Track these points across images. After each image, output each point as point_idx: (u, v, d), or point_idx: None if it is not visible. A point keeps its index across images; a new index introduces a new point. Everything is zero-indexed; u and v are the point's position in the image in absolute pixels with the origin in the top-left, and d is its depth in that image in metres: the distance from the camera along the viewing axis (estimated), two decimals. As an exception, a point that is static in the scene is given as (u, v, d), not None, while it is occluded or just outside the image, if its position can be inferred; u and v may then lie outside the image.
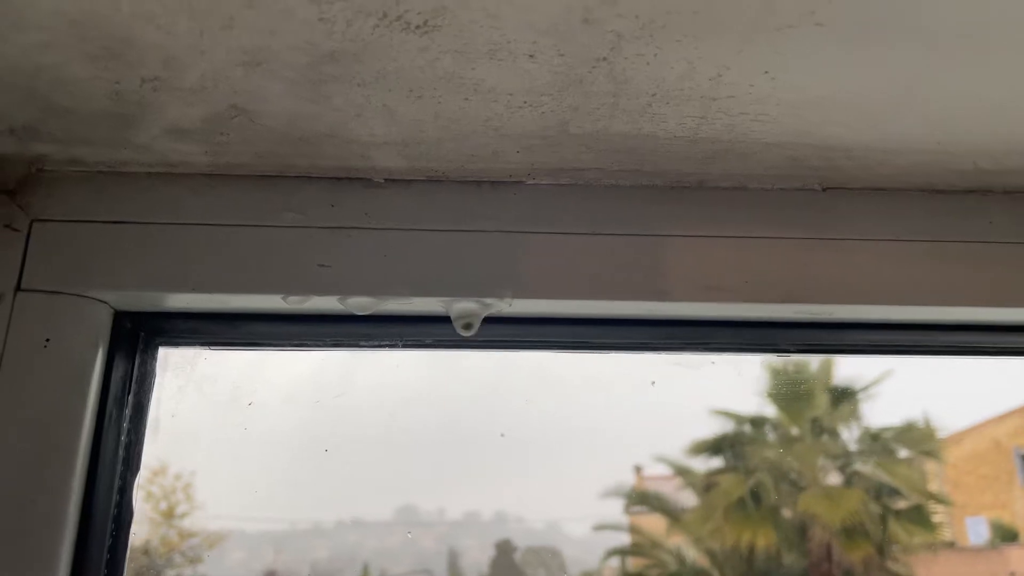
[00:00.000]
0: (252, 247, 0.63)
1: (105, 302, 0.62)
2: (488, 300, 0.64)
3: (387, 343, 0.68)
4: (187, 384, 0.69)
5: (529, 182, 0.67)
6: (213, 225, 0.64)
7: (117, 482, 0.62)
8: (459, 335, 0.67)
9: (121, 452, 0.63)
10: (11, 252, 0.61)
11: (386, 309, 0.65)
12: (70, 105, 0.57)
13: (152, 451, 0.66)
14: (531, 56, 0.53)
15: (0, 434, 0.57)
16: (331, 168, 0.65)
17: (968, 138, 0.63)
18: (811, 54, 0.53)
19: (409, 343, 0.69)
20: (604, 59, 0.53)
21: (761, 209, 0.68)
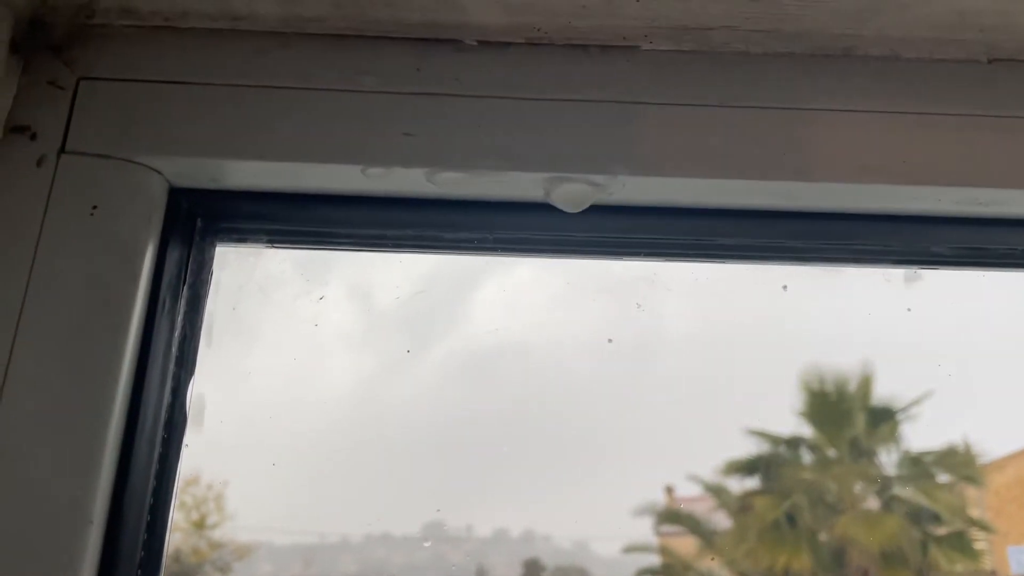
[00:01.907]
0: (327, 113, 0.55)
1: (159, 171, 0.54)
2: (597, 178, 0.55)
3: (475, 238, 0.59)
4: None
5: (645, 47, 0.58)
6: (283, 88, 0.55)
7: (170, 382, 0.53)
8: (557, 231, 0.58)
9: (175, 349, 0.54)
10: (55, 111, 0.53)
11: (476, 191, 0.56)
12: (128, -71, 0.49)
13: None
14: None
15: (41, 306, 0.48)
16: (417, 26, 0.57)
17: None
18: None
19: (502, 240, 0.59)
20: None
21: (917, 82, 0.58)
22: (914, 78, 0.58)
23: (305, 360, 0.68)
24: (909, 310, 0.61)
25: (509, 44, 0.58)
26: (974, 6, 0.54)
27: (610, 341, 0.69)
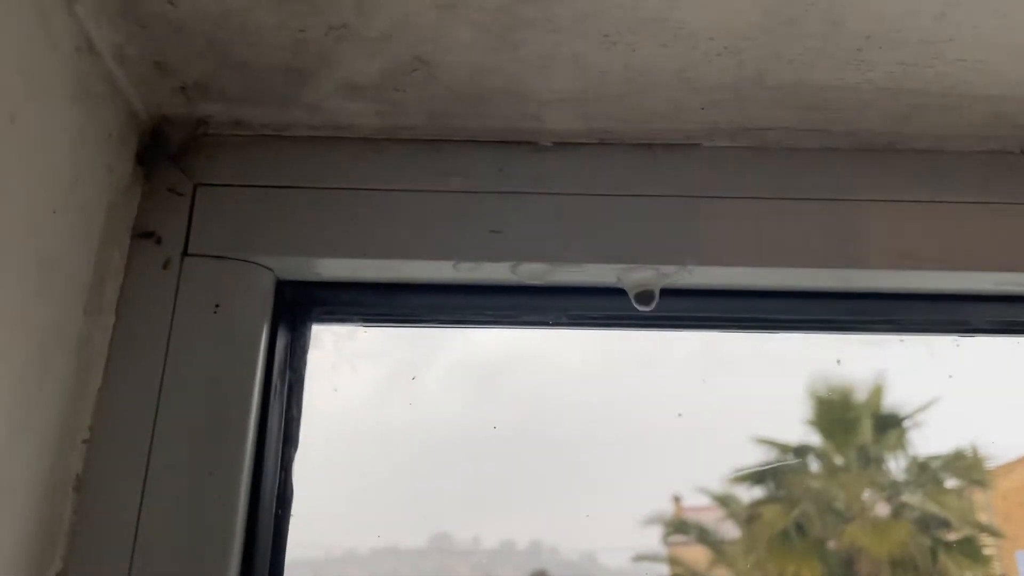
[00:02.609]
0: (420, 212, 0.60)
1: (270, 268, 0.59)
2: (666, 268, 0.60)
3: (552, 318, 0.65)
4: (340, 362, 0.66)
5: (707, 144, 0.64)
6: (380, 190, 0.61)
7: (280, 459, 0.59)
8: (628, 310, 0.63)
9: (283, 427, 0.59)
10: (176, 217, 0.59)
11: (556, 279, 0.62)
12: (247, 58, 0.55)
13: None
14: (747, -8, 0.50)
15: (175, 401, 0.54)
16: (499, 130, 0.62)
17: None
18: (1053, -14, 0.49)
19: (575, 318, 0.65)
20: (825, -5, 0.50)
21: (956, 173, 0.63)
22: (953, 169, 0.63)
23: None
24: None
25: (582, 144, 0.63)
26: (1009, 108, 0.60)
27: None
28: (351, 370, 0.69)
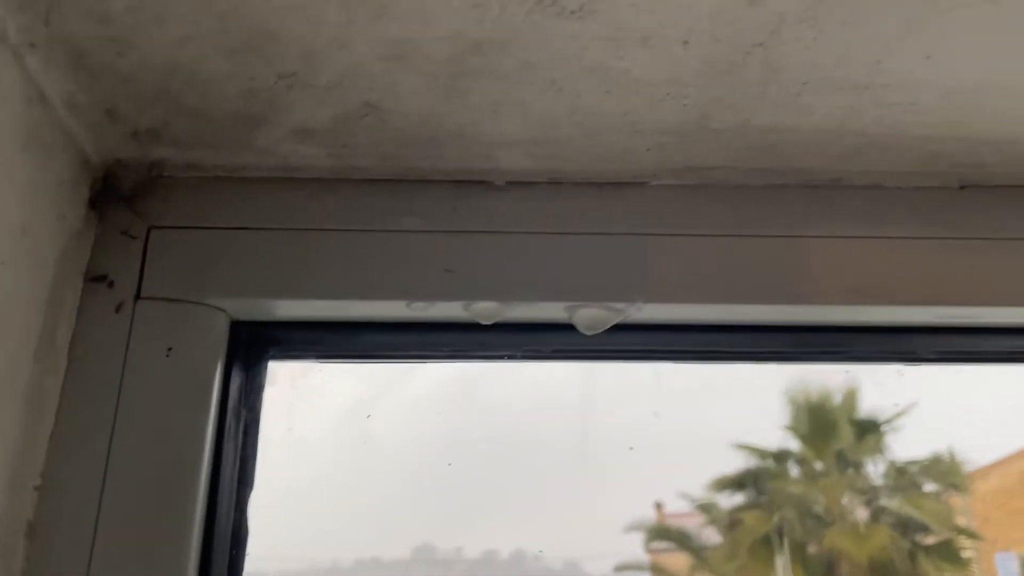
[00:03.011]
0: (374, 252, 0.61)
1: (223, 310, 0.60)
2: (617, 305, 0.61)
3: (506, 353, 0.66)
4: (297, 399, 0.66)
5: (653, 183, 0.65)
6: (334, 230, 0.61)
7: (234, 498, 0.59)
8: (580, 345, 0.65)
9: (237, 467, 0.60)
10: (130, 259, 0.59)
11: (509, 316, 0.62)
12: (199, 106, 0.55)
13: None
14: (685, 42, 0.51)
15: (126, 446, 0.54)
16: (452, 171, 0.63)
17: (1119, 129, 0.60)
18: (979, 37, 0.51)
19: (529, 353, 0.66)
20: (760, 44, 0.51)
21: (898, 208, 0.65)
22: (895, 205, 0.65)
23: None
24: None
25: (534, 183, 0.64)
26: (946, 147, 0.62)
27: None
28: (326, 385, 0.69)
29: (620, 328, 0.63)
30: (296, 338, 0.64)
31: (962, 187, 0.66)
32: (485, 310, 0.61)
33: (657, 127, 0.59)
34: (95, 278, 0.58)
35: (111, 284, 0.58)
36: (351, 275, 0.60)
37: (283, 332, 0.63)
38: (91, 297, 0.58)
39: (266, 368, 0.64)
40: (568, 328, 0.63)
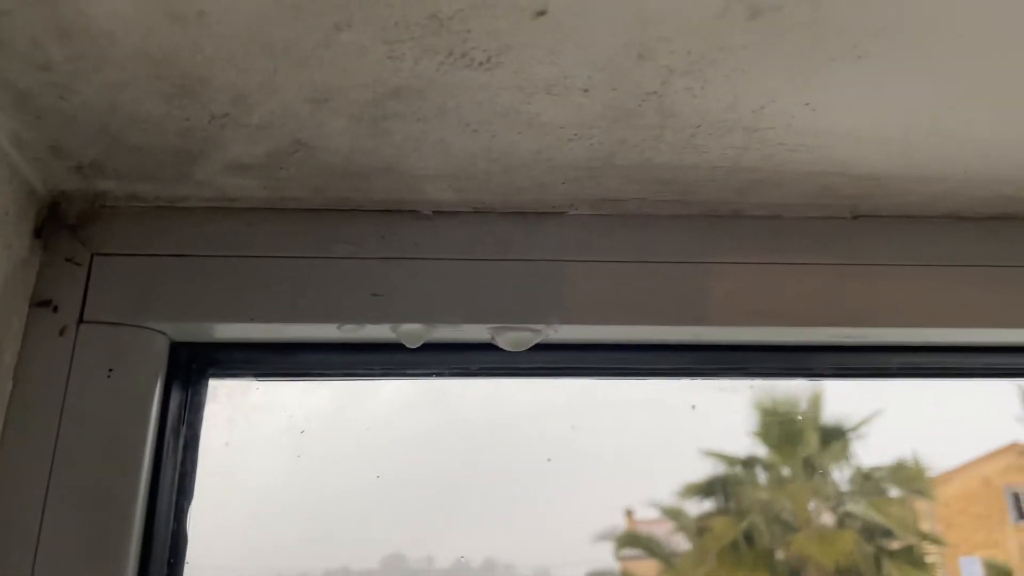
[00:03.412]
0: (306, 278, 0.65)
1: (164, 333, 0.64)
2: (535, 326, 0.66)
3: (434, 371, 0.70)
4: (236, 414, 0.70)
5: (571, 213, 0.70)
6: (268, 257, 0.66)
7: (173, 510, 0.63)
8: (503, 363, 0.69)
9: (176, 480, 0.63)
10: (73, 285, 0.63)
11: (435, 337, 0.67)
12: (139, 142, 0.59)
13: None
14: (585, 91, 0.56)
15: (68, 462, 0.58)
16: (382, 201, 0.68)
17: (992, 169, 0.66)
18: (850, 87, 0.56)
19: (455, 371, 0.70)
20: (654, 93, 0.56)
21: (794, 237, 0.70)
22: (792, 234, 0.70)
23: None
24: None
25: (458, 213, 0.69)
26: (835, 182, 0.67)
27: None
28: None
29: (540, 347, 0.68)
30: (234, 358, 0.68)
31: (855, 217, 0.72)
32: (412, 332, 0.66)
33: (568, 163, 0.64)
34: (40, 303, 0.62)
35: (55, 309, 0.62)
36: (285, 299, 0.64)
37: (222, 352, 0.67)
38: (36, 321, 0.61)
39: (206, 387, 0.68)
40: (491, 347, 0.68)
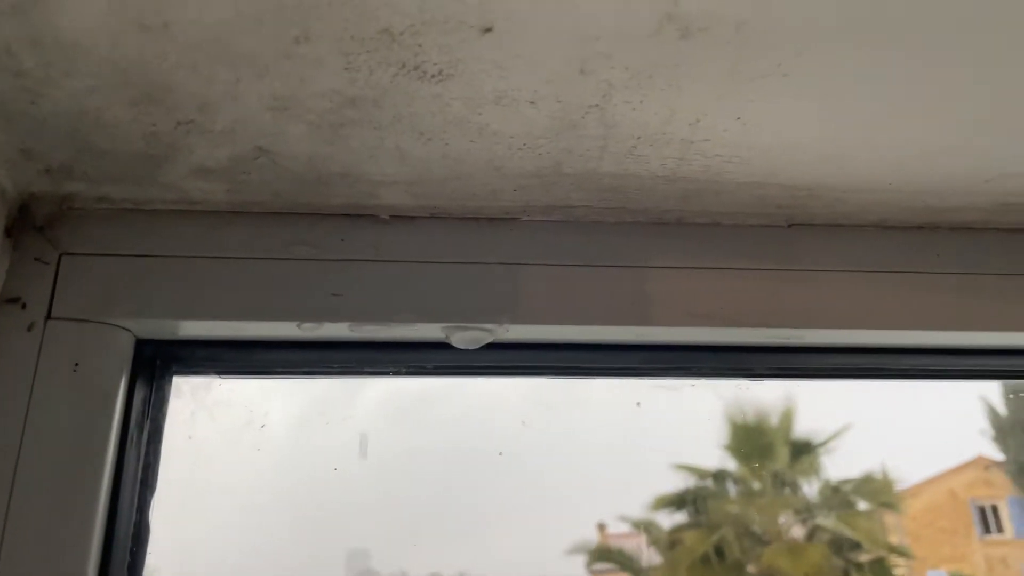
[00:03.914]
0: (268, 278, 0.68)
1: (128, 330, 0.66)
2: (487, 326, 0.70)
3: (391, 369, 0.73)
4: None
5: (524, 218, 0.73)
6: (231, 258, 0.68)
7: (136, 500, 0.65)
8: (457, 362, 0.73)
9: (140, 472, 0.66)
10: (41, 283, 0.65)
11: (391, 335, 0.70)
12: (107, 147, 0.62)
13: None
14: (532, 103, 0.60)
15: (34, 453, 0.60)
16: (342, 206, 0.71)
17: (916, 180, 0.71)
18: (778, 103, 0.60)
19: (412, 369, 0.73)
20: (596, 106, 0.60)
21: (734, 243, 0.75)
22: (731, 241, 0.75)
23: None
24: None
25: (415, 218, 0.72)
26: (770, 192, 0.72)
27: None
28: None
29: (493, 347, 0.71)
30: (198, 355, 0.70)
31: (790, 225, 0.76)
32: (369, 330, 0.69)
33: (519, 172, 0.67)
34: (9, 300, 0.64)
35: (24, 305, 0.64)
36: (247, 298, 0.67)
37: (185, 350, 0.70)
38: (5, 317, 0.63)
39: (170, 383, 0.71)
40: (446, 346, 0.71)
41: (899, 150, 0.67)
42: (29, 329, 0.63)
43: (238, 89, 0.57)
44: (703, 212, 0.74)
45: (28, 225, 0.66)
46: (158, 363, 0.70)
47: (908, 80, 0.59)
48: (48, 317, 0.64)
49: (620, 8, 0.52)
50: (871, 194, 0.72)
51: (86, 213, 0.68)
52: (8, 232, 0.65)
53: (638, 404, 0.76)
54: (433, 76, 0.57)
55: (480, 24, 0.53)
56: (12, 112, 0.58)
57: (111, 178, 0.65)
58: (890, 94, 0.60)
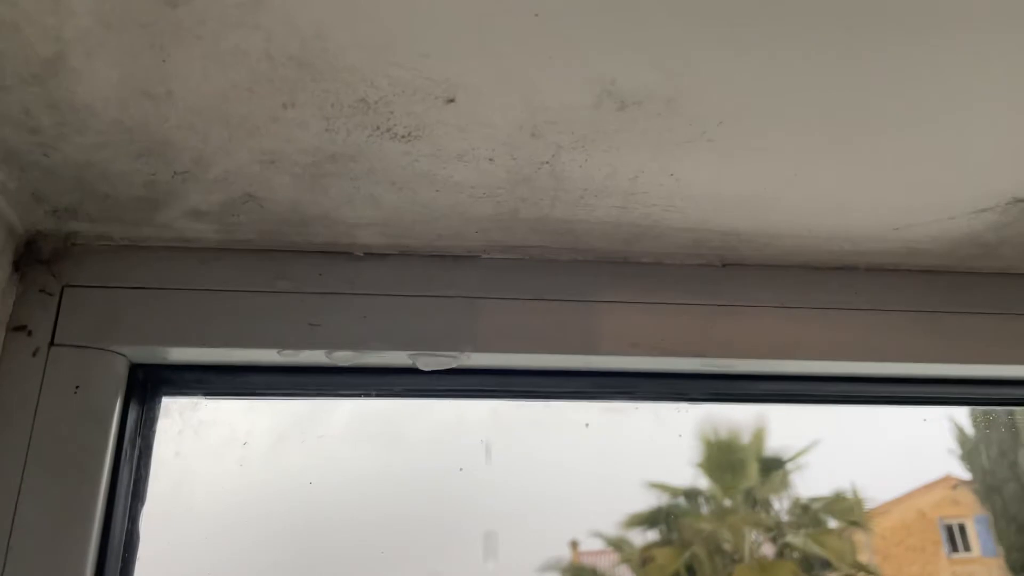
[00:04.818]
0: (252, 309, 0.75)
1: (124, 355, 0.73)
2: (451, 353, 0.77)
3: (362, 392, 0.81)
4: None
5: (484, 256, 0.81)
6: (219, 291, 0.76)
7: (128, 511, 0.72)
8: (423, 385, 0.80)
9: (131, 485, 0.73)
10: (45, 313, 0.72)
11: (364, 361, 0.78)
12: (109, 192, 0.69)
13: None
14: (491, 159, 0.68)
15: (38, 466, 0.66)
16: (320, 244, 0.78)
17: (831, 228, 0.80)
18: (706, 162, 0.69)
19: (382, 391, 0.81)
20: (546, 163, 0.68)
21: (673, 281, 0.83)
22: (671, 278, 0.83)
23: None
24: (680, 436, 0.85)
25: (387, 255, 0.80)
26: (705, 236, 0.80)
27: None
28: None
29: (456, 372, 0.79)
30: (186, 378, 0.77)
31: (724, 265, 0.85)
32: (343, 357, 0.76)
33: (480, 216, 0.75)
34: (17, 328, 0.71)
35: (29, 333, 0.71)
36: (233, 327, 0.75)
37: (175, 373, 0.77)
38: (12, 344, 0.70)
39: (160, 403, 0.78)
40: (414, 371, 0.79)
41: (813, 203, 0.76)
42: (34, 355, 0.70)
43: (231, 145, 0.65)
44: (646, 253, 0.82)
45: (34, 259, 0.73)
46: (149, 385, 0.76)
47: (816, 145, 0.68)
48: (52, 344, 0.71)
49: (564, 85, 0.60)
50: (793, 239, 0.81)
51: (88, 249, 0.75)
52: (16, 266, 0.72)
53: (587, 425, 0.84)
54: (403, 137, 0.65)
55: (444, 96, 0.61)
56: (26, 162, 0.65)
57: (112, 218, 0.73)
58: (801, 157, 0.69)
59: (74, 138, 0.63)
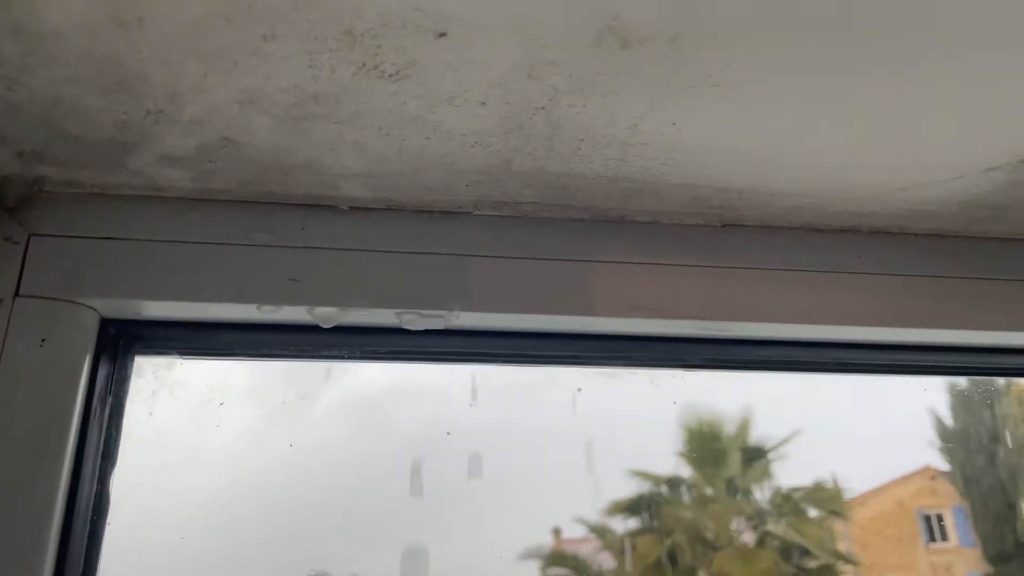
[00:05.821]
0: (229, 262, 0.72)
1: (94, 308, 0.69)
2: (439, 312, 0.74)
3: (346, 353, 0.77)
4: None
5: (475, 212, 0.78)
6: (194, 242, 0.72)
7: (97, 473, 0.68)
8: (410, 347, 0.77)
9: (101, 446, 0.69)
10: (10, 262, 0.68)
11: (347, 320, 0.74)
12: (78, 133, 0.65)
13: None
14: (483, 103, 0.64)
15: (2, 420, 0.63)
16: (302, 196, 0.75)
17: (836, 188, 0.77)
18: (709, 111, 0.66)
19: (366, 353, 0.77)
20: (543, 108, 0.65)
21: (671, 241, 0.80)
22: (669, 238, 0.80)
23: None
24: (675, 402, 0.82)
25: (373, 209, 0.76)
26: (705, 194, 0.77)
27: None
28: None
29: (444, 333, 0.76)
30: (160, 335, 0.73)
31: (723, 225, 0.82)
32: (325, 314, 0.73)
33: (471, 168, 0.72)
34: (-23, 277, 0.67)
35: (-8, 283, 0.67)
36: (208, 281, 0.71)
37: (148, 330, 0.73)
38: (-27, 293, 0.66)
39: (133, 361, 0.74)
40: (400, 332, 0.75)
41: (819, 160, 0.73)
42: (-3, 305, 0.66)
43: (207, 82, 0.61)
44: (643, 211, 0.79)
45: (-2, 206, 0.69)
46: (122, 342, 0.73)
47: (824, 97, 0.65)
48: (16, 294, 0.67)
49: (564, 19, 0.57)
50: (796, 198, 0.78)
51: (56, 196, 0.71)
52: (-22, 212, 0.68)
53: (579, 390, 0.81)
54: (391, 76, 0.61)
55: (435, 29, 0.57)
56: (-12, 97, 0.61)
57: (81, 163, 0.69)
58: (808, 109, 0.66)
59: (40, 71, 0.59)
